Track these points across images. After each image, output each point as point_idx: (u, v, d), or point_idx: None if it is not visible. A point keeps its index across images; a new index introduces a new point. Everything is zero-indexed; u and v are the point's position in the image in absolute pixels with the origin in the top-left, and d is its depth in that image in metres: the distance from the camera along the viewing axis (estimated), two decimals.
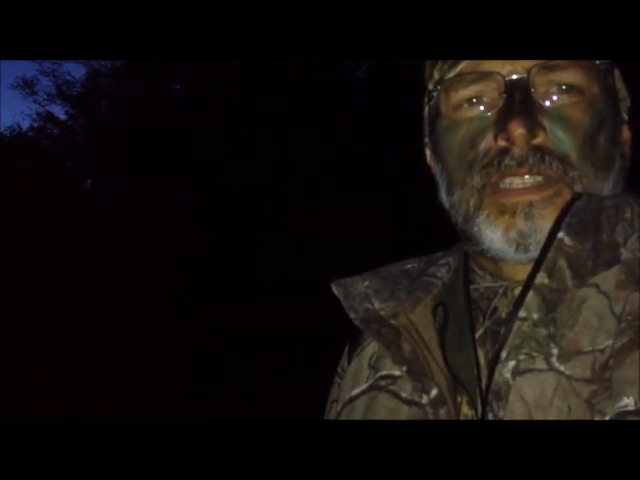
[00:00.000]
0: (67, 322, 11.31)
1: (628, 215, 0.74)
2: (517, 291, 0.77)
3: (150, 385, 8.54)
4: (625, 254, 0.72)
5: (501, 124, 0.76)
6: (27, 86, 18.82)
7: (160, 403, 7.36)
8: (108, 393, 7.94)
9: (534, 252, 0.74)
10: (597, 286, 0.71)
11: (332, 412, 0.89)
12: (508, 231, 0.76)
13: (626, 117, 0.85)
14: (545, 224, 0.74)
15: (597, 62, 0.79)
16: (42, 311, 11.56)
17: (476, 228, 0.79)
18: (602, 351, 0.68)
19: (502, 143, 0.76)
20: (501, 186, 0.77)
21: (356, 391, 0.85)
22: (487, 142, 0.78)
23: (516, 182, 0.76)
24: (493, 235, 0.77)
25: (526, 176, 0.75)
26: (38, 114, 18.97)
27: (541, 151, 0.75)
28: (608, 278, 0.72)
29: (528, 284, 0.72)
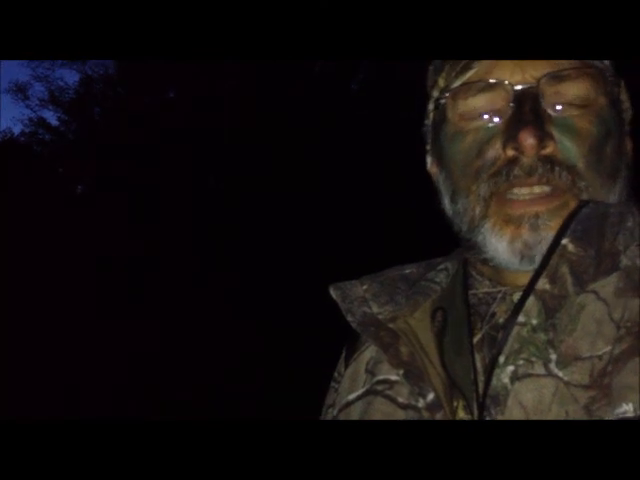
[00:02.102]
0: (62, 324, 11.27)
1: (630, 224, 0.74)
2: (516, 297, 0.77)
3: (150, 385, 8.53)
4: (624, 261, 0.73)
5: (511, 133, 0.76)
6: (20, 91, 18.81)
7: (160, 403, 7.34)
8: (108, 393, 7.92)
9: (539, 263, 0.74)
10: (596, 293, 0.71)
11: (328, 417, 0.89)
12: (513, 242, 0.76)
13: (628, 128, 0.86)
14: (551, 235, 0.74)
15: (605, 74, 0.80)
16: (35, 314, 11.51)
17: (481, 237, 0.79)
18: (600, 357, 0.68)
19: (511, 153, 0.76)
20: (508, 196, 0.77)
21: (353, 396, 0.84)
22: (495, 151, 0.78)
23: (524, 193, 0.76)
24: (498, 245, 0.77)
25: (535, 187, 0.76)
26: (30, 119, 18.96)
27: (550, 161, 0.75)
28: (607, 285, 0.72)
29: (529, 289, 0.72)
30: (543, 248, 0.74)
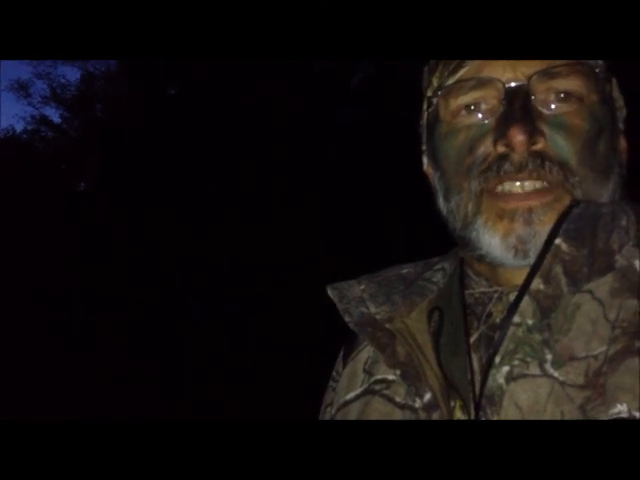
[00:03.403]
0: (61, 323, 11.29)
1: (624, 223, 0.74)
2: (512, 296, 0.77)
3: (150, 386, 8.54)
4: (620, 261, 0.73)
5: (501, 130, 0.76)
6: (22, 88, 18.84)
7: (160, 403, 7.35)
8: (108, 393, 7.92)
9: (533, 258, 0.74)
10: (591, 292, 0.72)
11: (326, 416, 0.89)
12: (507, 237, 0.76)
13: (622, 127, 0.85)
14: (544, 230, 0.75)
15: (596, 70, 0.80)
16: (34, 314, 11.52)
17: (474, 233, 0.79)
18: (596, 357, 0.68)
19: (501, 149, 0.76)
20: (499, 191, 0.77)
21: (350, 395, 0.85)
22: (486, 147, 0.78)
23: (515, 188, 0.76)
24: (492, 240, 0.77)
25: (526, 182, 0.76)
26: (32, 117, 19.00)
27: (541, 157, 0.75)
28: (602, 285, 0.72)
29: (523, 289, 0.72)
30: (537, 242, 0.74)
